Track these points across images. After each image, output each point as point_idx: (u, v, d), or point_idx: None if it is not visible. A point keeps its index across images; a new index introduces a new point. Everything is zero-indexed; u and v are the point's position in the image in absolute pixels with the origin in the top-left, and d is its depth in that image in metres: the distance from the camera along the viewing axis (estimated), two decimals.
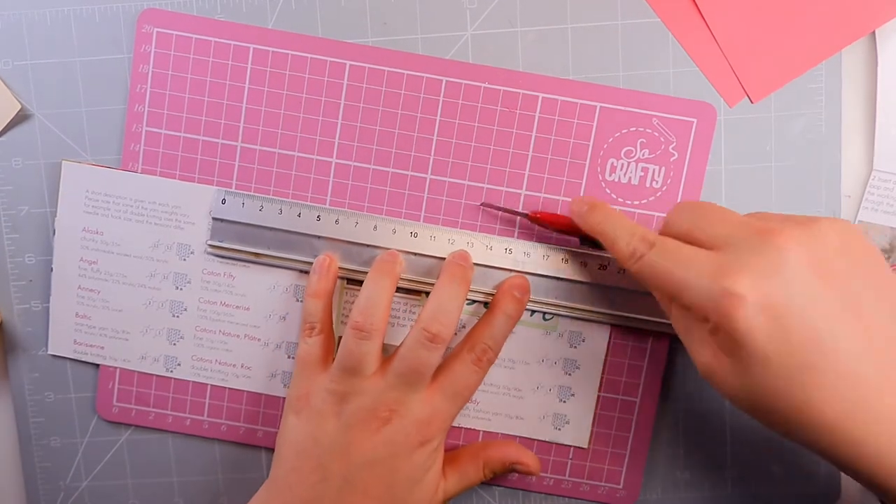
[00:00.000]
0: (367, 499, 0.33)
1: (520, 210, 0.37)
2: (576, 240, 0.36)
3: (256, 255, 0.37)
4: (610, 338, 0.38)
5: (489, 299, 0.37)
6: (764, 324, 0.26)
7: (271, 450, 0.38)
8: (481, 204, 0.37)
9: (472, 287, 0.36)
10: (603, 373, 0.38)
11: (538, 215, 0.36)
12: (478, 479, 0.37)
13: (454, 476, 0.36)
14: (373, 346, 0.34)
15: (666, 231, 0.31)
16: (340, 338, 0.36)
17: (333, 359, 0.35)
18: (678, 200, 0.37)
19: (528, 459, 0.37)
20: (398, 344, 0.35)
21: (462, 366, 0.35)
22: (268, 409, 0.39)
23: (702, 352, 0.29)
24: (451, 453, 0.37)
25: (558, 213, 0.37)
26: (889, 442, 0.26)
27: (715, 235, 0.29)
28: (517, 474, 0.39)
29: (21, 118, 0.38)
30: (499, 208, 0.37)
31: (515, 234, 0.37)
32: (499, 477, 0.38)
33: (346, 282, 0.37)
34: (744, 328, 0.26)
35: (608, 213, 0.33)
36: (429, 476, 0.35)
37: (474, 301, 0.37)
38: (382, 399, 0.34)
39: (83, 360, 0.39)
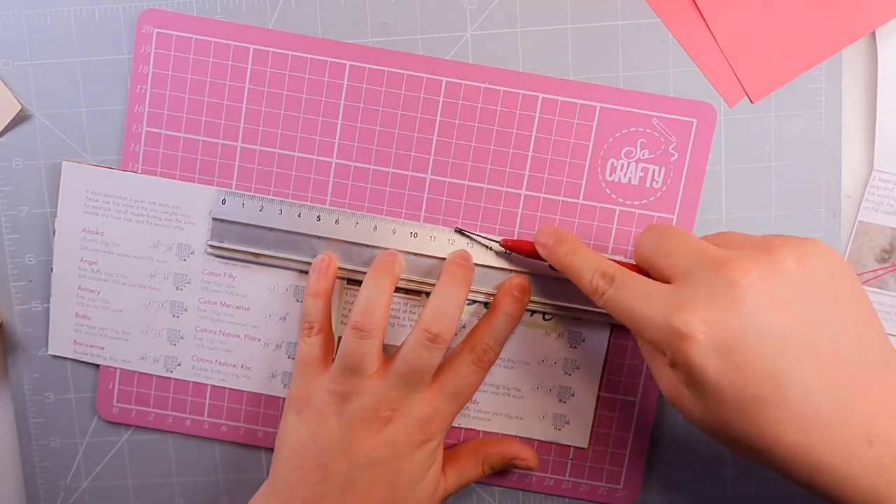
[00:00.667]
0: (369, 498, 0.33)
1: (493, 237, 0.36)
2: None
3: (256, 255, 0.37)
4: (610, 338, 0.38)
5: (490, 299, 0.37)
6: (716, 360, 0.26)
7: (271, 450, 0.38)
8: (455, 229, 0.37)
9: (472, 287, 0.36)
10: (603, 373, 0.38)
11: (509, 243, 0.36)
12: (477, 476, 0.37)
13: (454, 473, 0.37)
14: (373, 345, 0.34)
15: (636, 254, 0.32)
16: (340, 338, 0.36)
17: (333, 359, 0.35)
18: (678, 200, 0.37)
19: (527, 455, 0.37)
20: (399, 344, 0.35)
21: (463, 366, 0.35)
22: (268, 409, 0.39)
23: (664, 380, 0.29)
24: (451, 451, 0.37)
25: (530, 240, 0.36)
26: (857, 468, 0.26)
27: (674, 265, 0.29)
28: (517, 473, 0.39)
29: (21, 118, 0.38)
30: (472, 236, 0.36)
31: (516, 235, 0.37)
32: (498, 473, 0.38)
33: (346, 282, 0.37)
34: (697, 364, 0.26)
35: (574, 247, 0.33)
36: (429, 475, 0.35)
37: (475, 301, 0.37)
38: (384, 399, 0.34)
39: (83, 360, 0.39)
